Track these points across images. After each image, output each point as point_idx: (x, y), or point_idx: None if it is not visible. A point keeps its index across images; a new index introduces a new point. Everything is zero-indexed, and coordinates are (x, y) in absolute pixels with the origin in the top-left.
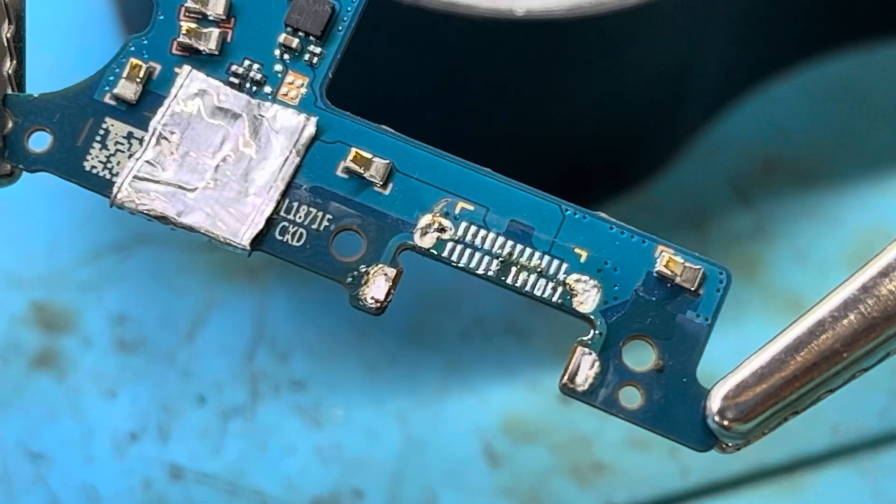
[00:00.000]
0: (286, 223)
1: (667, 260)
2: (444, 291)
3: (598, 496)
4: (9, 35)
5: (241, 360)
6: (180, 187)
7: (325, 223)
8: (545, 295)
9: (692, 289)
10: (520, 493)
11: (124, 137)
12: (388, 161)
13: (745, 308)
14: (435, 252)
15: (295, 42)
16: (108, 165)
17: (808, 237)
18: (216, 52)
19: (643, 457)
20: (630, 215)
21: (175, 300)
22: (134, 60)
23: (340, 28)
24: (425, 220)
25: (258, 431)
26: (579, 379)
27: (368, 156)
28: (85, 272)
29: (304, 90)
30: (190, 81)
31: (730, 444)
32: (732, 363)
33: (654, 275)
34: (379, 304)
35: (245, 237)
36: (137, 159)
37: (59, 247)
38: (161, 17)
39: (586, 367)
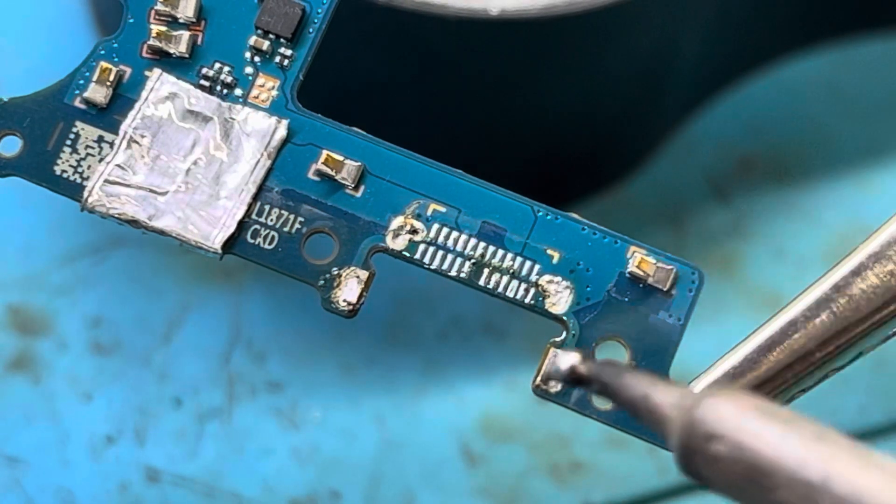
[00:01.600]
0: (258, 226)
1: (639, 260)
2: (420, 292)
3: (577, 495)
4: None
5: (218, 362)
6: (151, 191)
7: (297, 226)
8: (518, 296)
9: (665, 289)
10: (498, 493)
11: (95, 141)
12: (359, 163)
13: (722, 306)
14: (407, 254)
15: (265, 44)
16: (79, 169)
17: (785, 234)
18: (187, 55)
19: (621, 456)
20: (607, 214)
21: (151, 302)
22: (104, 64)
23: (311, 30)
24: (397, 222)
25: (235, 433)
26: (552, 381)
27: (340, 158)
28: (60, 275)
29: (275, 93)
30: (160, 85)
31: None
32: (711, 361)
33: (627, 275)
34: (351, 307)
35: (216, 240)
36: (108, 163)
37: (34, 249)
38: (131, 20)
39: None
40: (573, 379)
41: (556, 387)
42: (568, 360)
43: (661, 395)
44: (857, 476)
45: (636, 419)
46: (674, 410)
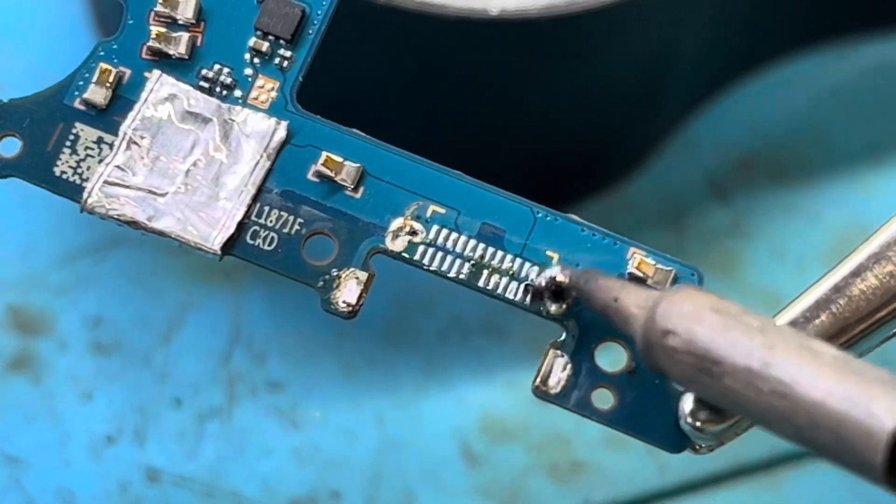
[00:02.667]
0: (257, 227)
1: (638, 261)
2: (421, 292)
3: (577, 495)
4: None
5: (218, 362)
6: (151, 192)
7: (297, 227)
8: (517, 297)
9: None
10: (498, 493)
11: (94, 142)
12: (359, 164)
13: None
14: (406, 255)
15: (265, 46)
16: (79, 170)
17: (785, 234)
18: (186, 57)
19: (621, 455)
20: (607, 214)
21: (151, 302)
22: (104, 65)
23: (311, 31)
24: (396, 223)
25: (235, 433)
26: (552, 381)
27: (339, 159)
28: (60, 275)
29: (274, 94)
30: (160, 86)
31: (703, 446)
32: None
33: (627, 276)
34: (351, 308)
35: (216, 241)
36: (108, 164)
37: (34, 249)
38: (131, 22)
39: (559, 370)
40: (554, 288)
41: (555, 387)
42: (549, 272)
43: (629, 297)
44: (794, 361)
45: (608, 320)
46: (638, 310)
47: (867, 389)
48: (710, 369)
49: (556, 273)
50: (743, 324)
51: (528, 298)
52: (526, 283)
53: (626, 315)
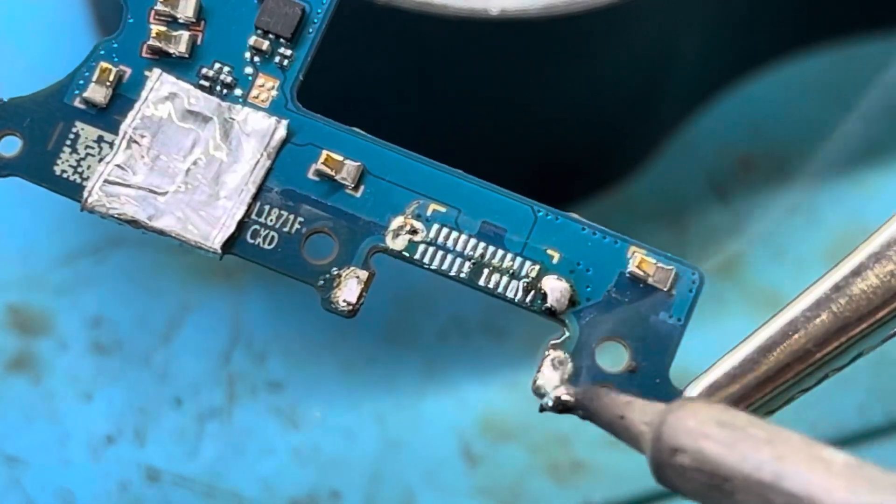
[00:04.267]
0: (257, 226)
1: (639, 261)
2: (421, 291)
3: (577, 495)
4: None
5: (218, 362)
6: (151, 191)
7: (297, 226)
8: (517, 297)
9: (665, 289)
10: (498, 493)
11: (94, 141)
12: (359, 163)
13: (723, 306)
14: (407, 254)
15: (265, 44)
16: (79, 170)
17: (785, 234)
18: (186, 55)
19: (621, 455)
20: (607, 214)
21: (151, 302)
22: (104, 64)
23: (311, 30)
24: (397, 222)
25: (235, 433)
26: (552, 381)
27: (340, 158)
28: (60, 274)
29: (274, 93)
30: (160, 85)
31: None
32: (711, 361)
33: (627, 276)
34: (351, 307)
35: (216, 241)
36: (108, 163)
37: (35, 249)
38: (131, 21)
39: (559, 370)
40: (560, 407)
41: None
42: (553, 391)
43: (635, 414)
44: (805, 472)
45: (618, 438)
46: (645, 427)
47: (881, 499)
48: (721, 486)
49: (561, 393)
50: (750, 436)
51: (522, 296)
52: (536, 389)
53: (634, 433)
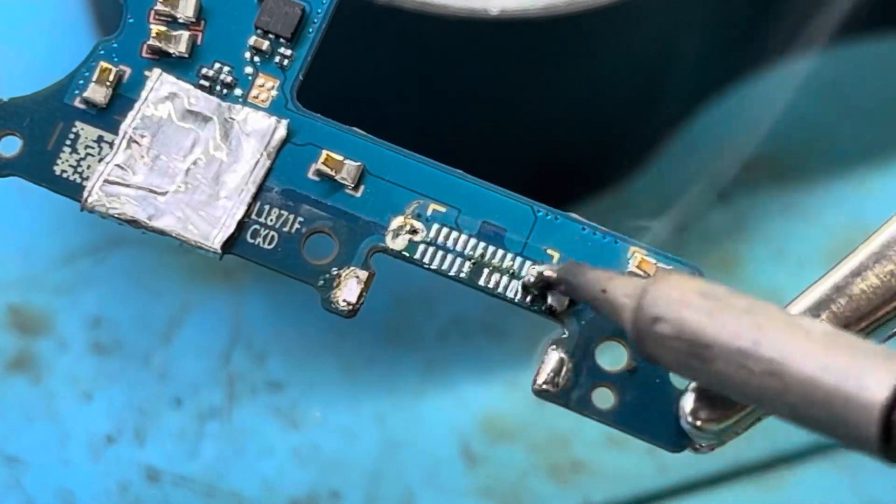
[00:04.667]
0: (257, 226)
1: (639, 260)
2: (421, 292)
3: (577, 495)
4: None
5: (218, 362)
6: (151, 191)
7: (297, 226)
8: (517, 297)
9: None
10: (498, 493)
11: (94, 141)
12: (359, 163)
13: None
14: (407, 254)
15: (265, 44)
16: (79, 169)
17: (785, 234)
18: (186, 55)
19: (621, 455)
20: (608, 214)
21: (151, 302)
22: (104, 64)
23: (311, 30)
24: (397, 222)
25: (235, 433)
26: (552, 381)
27: (340, 158)
28: (60, 275)
29: (274, 93)
30: (160, 85)
31: (703, 445)
32: None
33: (626, 275)
34: (351, 307)
35: (216, 240)
36: (108, 163)
37: (35, 249)
38: (131, 21)
39: (559, 370)
40: (543, 283)
41: (556, 387)
42: (536, 268)
43: (617, 288)
44: (784, 339)
45: (599, 312)
46: (627, 299)
47: (858, 362)
48: (701, 354)
49: (544, 269)
50: (730, 306)
51: (523, 296)
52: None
53: (615, 305)
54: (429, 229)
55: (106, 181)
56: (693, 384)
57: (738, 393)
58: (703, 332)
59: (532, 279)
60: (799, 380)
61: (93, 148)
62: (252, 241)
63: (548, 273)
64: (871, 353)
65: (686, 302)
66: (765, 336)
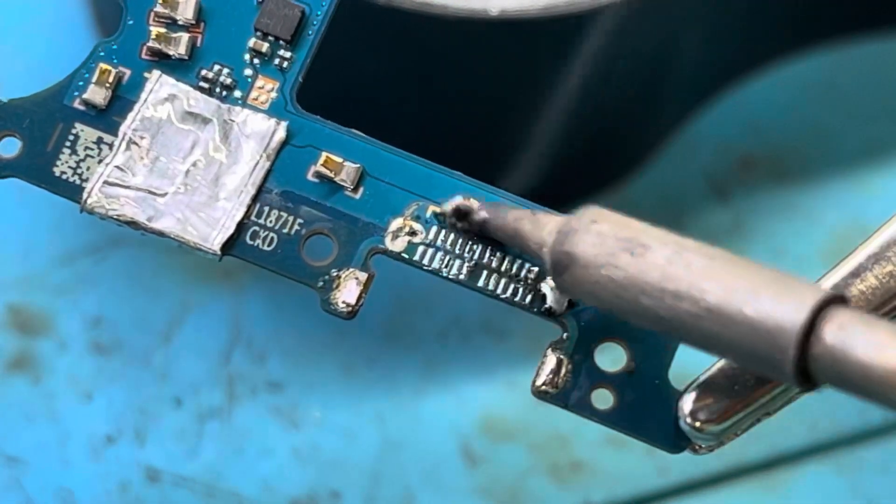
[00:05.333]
0: (257, 227)
1: None
2: (421, 292)
3: (577, 495)
4: None
5: (218, 362)
6: (150, 192)
7: (296, 227)
8: (517, 298)
9: None
10: (498, 493)
11: (94, 143)
12: (358, 165)
13: None
14: (406, 256)
15: (265, 46)
16: (78, 171)
17: (785, 234)
18: (186, 57)
19: (622, 455)
20: None
21: (151, 302)
22: (103, 65)
23: (311, 32)
24: (396, 223)
25: (235, 433)
26: (551, 381)
27: (339, 160)
28: (60, 275)
29: (274, 94)
30: (160, 86)
31: (703, 446)
32: (711, 361)
33: None
34: (350, 309)
35: (216, 242)
36: (107, 164)
37: (34, 249)
38: (130, 22)
39: (558, 370)
40: (459, 213)
41: (555, 388)
42: (452, 200)
43: (538, 223)
44: (700, 268)
45: (518, 248)
46: (548, 235)
47: (774, 288)
48: (621, 291)
49: (459, 200)
50: (653, 238)
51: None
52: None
53: (536, 241)
54: (428, 231)
55: (105, 182)
56: (691, 385)
57: (660, 325)
58: (626, 269)
59: (449, 208)
60: (716, 307)
61: (92, 149)
62: (251, 242)
63: (465, 203)
64: (787, 279)
65: (605, 239)
66: (687, 269)
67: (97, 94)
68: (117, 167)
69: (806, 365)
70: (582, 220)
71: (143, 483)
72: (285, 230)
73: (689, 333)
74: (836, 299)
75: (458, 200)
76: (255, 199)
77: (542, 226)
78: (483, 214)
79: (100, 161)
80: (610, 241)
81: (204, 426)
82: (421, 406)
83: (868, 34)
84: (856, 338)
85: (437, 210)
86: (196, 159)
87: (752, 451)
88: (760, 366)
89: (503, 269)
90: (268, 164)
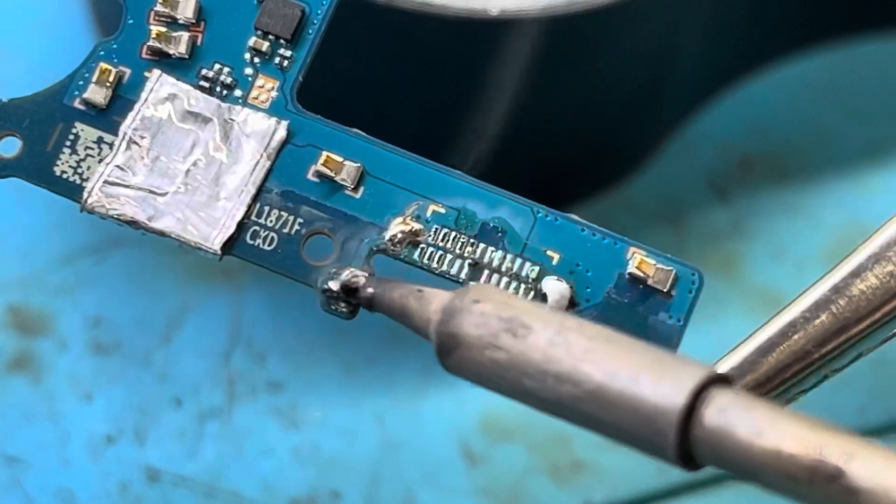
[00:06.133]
0: (257, 227)
1: (639, 261)
2: None
3: (577, 495)
4: None
5: (218, 362)
6: (151, 192)
7: (297, 227)
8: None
9: (664, 290)
10: (498, 493)
11: (94, 142)
12: (359, 164)
13: (722, 306)
14: (406, 255)
15: (265, 45)
16: (79, 170)
17: (785, 234)
18: (186, 56)
19: (622, 455)
20: (607, 214)
21: (151, 302)
22: (104, 65)
23: (311, 31)
24: (397, 223)
25: (235, 433)
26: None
27: (339, 159)
28: (60, 275)
29: (274, 94)
30: (160, 86)
31: None
32: (710, 361)
33: (626, 276)
34: (350, 309)
35: (216, 241)
36: (108, 164)
37: (35, 249)
38: (131, 22)
39: None
40: (347, 289)
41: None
42: (343, 276)
43: (424, 301)
44: (580, 349)
45: (404, 325)
46: (433, 314)
47: (657, 369)
48: (503, 372)
49: (349, 276)
50: (535, 318)
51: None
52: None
53: (422, 319)
54: (428, 230)
55: (106, 182)
56: None
57: (544, 407)
58: (508, 350)
59: (338, 285)
60: (596, 390)
61: (92, 149)
62: (252, 242)
63: (353, 280)
64: (668, 360)
65: (488, 319)
66: (568, 351)
67: (97, 94)
68: (118, 167)
69: (688, 447)
70: (465, 299)
71: (142, 483)
72: (285, 230)
73: (573, 415)
74: (718, 379)
75: (344, 277)
76: (255, 198)
77: (427, 303)
78: (370, 291)
79: (100, 161)
80: (493, 322)
81: (204, 426)
82: (421, 406)
83: (868, 34)
84: (736, 420)
85: (326, 287)
86: (196, 159)
87: None
88: (644, 448)
89: (503, 268)
90: (268, 163)
